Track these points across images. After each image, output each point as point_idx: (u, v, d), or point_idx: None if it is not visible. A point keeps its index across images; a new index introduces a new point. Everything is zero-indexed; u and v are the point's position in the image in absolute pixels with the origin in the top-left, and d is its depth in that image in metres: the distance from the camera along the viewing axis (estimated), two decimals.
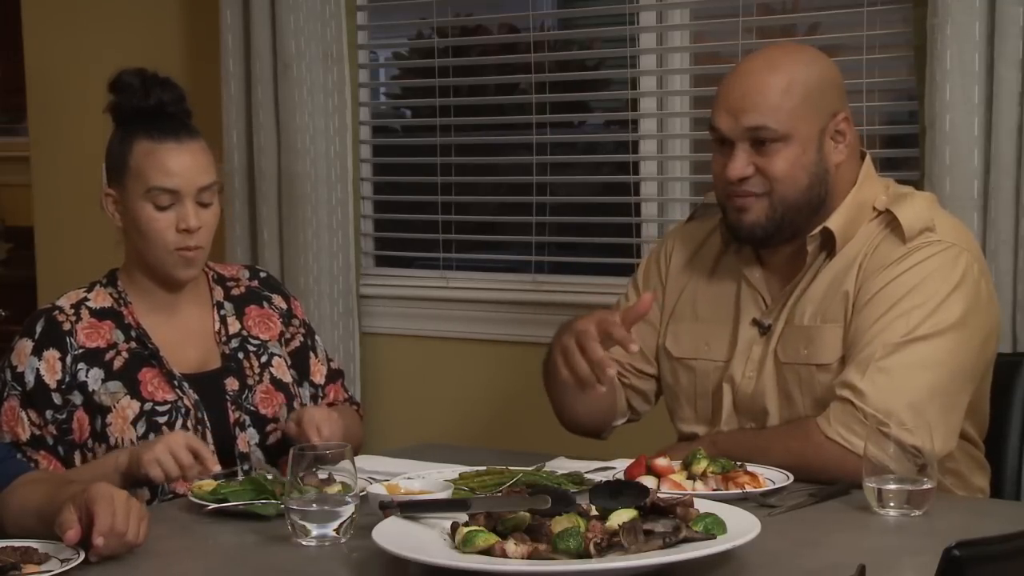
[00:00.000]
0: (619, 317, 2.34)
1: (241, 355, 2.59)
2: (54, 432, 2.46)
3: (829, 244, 2.47)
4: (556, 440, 2.69)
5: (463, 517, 1.91)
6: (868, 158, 2.53)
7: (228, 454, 2.50)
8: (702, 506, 1.93)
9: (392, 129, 4.28)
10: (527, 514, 1.86)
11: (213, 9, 3.99)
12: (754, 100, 2.41)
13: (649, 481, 2.18)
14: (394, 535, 1.90)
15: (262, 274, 2.74)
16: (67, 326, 2.49)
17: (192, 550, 2.09)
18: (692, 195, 3.58)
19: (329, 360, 2.75)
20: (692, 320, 2.61)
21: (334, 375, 2.74)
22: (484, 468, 2.33)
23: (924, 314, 2.34)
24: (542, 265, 3.79)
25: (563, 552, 1.79)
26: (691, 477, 2.26)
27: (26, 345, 2.48)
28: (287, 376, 2.62)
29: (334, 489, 2.04)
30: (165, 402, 2.48)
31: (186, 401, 2.49)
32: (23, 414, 2.46)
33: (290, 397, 2.60)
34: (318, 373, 2.69)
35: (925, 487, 2.12)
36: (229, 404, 2.54)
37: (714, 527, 1.86)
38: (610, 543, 1.79)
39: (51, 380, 2.46)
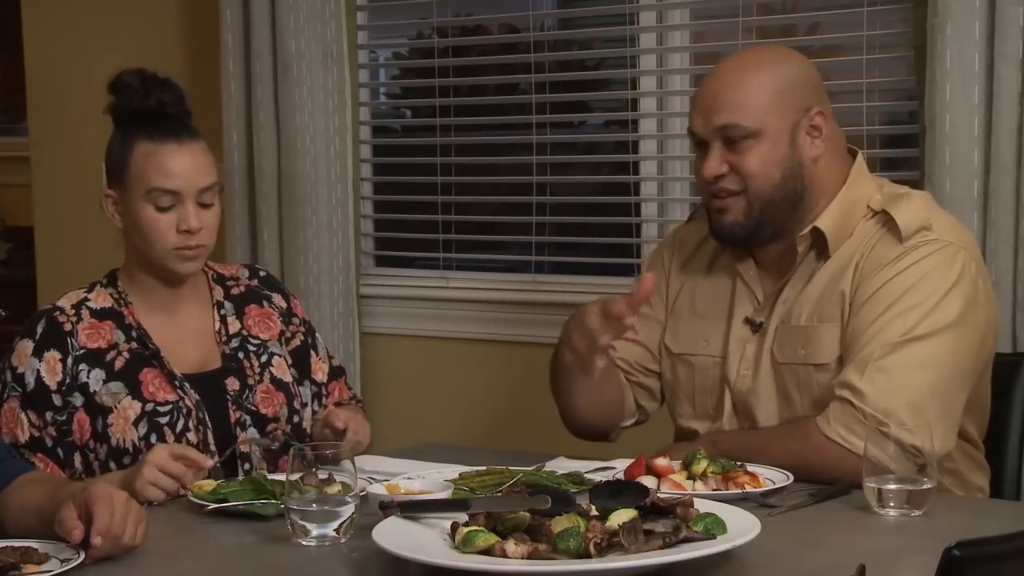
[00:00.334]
0: (625, 304, 2.35)
1: (241, 355, 2.59)
2: (53, 434, 2.46)
3: (820, 244, 2.47)
4: (556, 440, 2.69)
5: (463, 517, 1.91)
6: (860, 157, 2.54)
7: (230, 456, 2.49)
8: (702, 506, 1.93)
9: (392, 129, 4.28)
10: (527, 514, 1.86)
11: (213, 9, 3.99)
12: (724, 99, 2.43)
13: (649, 481, 2.18)
14: (394, 535, 1.90)
15: (262, 273, 2.74)
16: (68, 327, 2.49)
17: (192, 550, 2.09)
18: (692, 195, 3.58)
19: (330, 357, 2.75)
20: (690, 316, 2.62)
21: (336, 372, 2.74)
22: (484, 468, 2.33)
23: (922, 313, 2.34)
24: (542, 265, 3.79)
25: (563, 552, 1.79)
26: (691, 477, 2.26)
27: (27, 346, 2.48)
28: (287, 375, 2.62)
29: (334, 489, 2.04)
30: (166, 402, 2.48)
31: (187, 401, 2.49)
32: (23, 415, 2.46)
33: (290, 397, 2.60)
34: (319, 371, 2.69)
35: (925, 487, 2.12)
36: (230, 404, 2.54)
37: (714, 527, 1.86)
38: (610, 543, 1.79)
39: (51, 381, 2.46)
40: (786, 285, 2.50)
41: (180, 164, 2.47)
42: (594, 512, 1.88)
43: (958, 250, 2.41)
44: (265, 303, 2.67)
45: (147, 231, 2.48)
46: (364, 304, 3.94)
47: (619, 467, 2.35)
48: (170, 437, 2.46)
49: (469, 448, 2.87)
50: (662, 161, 3.64)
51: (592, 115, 3.95)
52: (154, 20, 4.28)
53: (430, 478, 2.27)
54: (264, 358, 2.60)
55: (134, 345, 2.51)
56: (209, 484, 2.27)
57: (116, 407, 2.46)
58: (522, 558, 1.79)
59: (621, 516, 1.84)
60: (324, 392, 2.69)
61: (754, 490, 2.22)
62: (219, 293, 2.63)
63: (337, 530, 2.02)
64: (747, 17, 3.40)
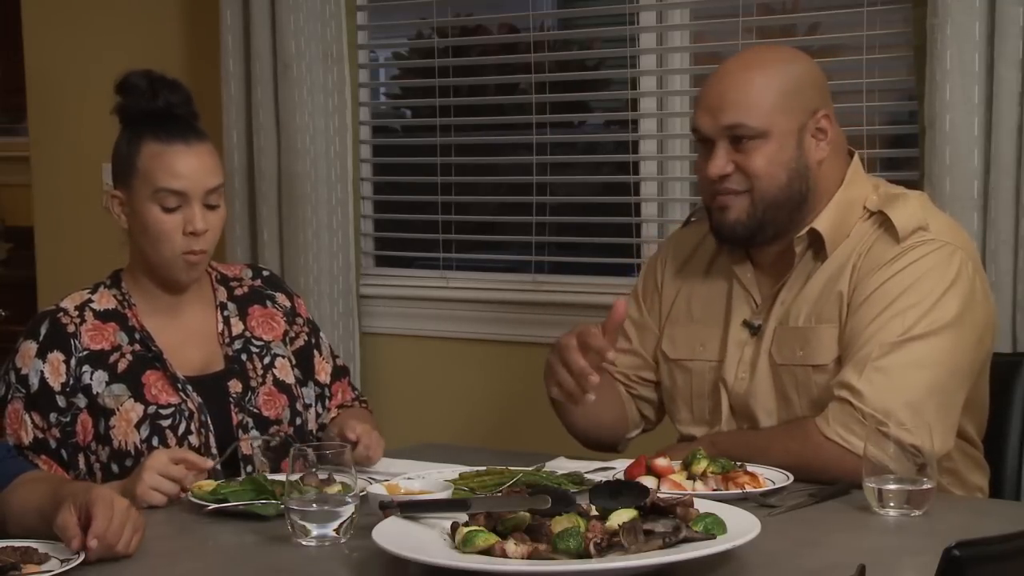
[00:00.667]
0: (600, 328, 2.35)
1: (244, 357, 2.58)
2: (57, 435, 2.45)
3: (818, 245, 2.47)
4: (556, 440, 2.69)
5: (463, 517, 1.91)
6: (856, 157, 2.54)
7: (231, 457, 2.49)
8: (702, 506, 1.93)
9: (392, 129, 4.28)
10: (527, 514, 1.86)
11: (213, 10, 3.99)
12: (731, 98, 2.43)
13: (649, 481, 2.18)
14: (394, 535, 1.90)
15: (265, 273, 2.74)
16: (71, 328, 2.49)
17: (192, 550, 2.09)
18: (692, 195, 3.58)
19: (335, 357, 2.74)
20: (687, 321, 2.62)
21: (339, 372, 2.73)
22: (484, 468, 2.33)
23: (920, 313, 2.35)
24: (542, 265, 3.79)
25: (563, 552, 1.79)
26: (691, 477, 2.26)
27: (30, 347, 2.48)
28: (290, 377, 2.62)
29: (334, 489, 2.04)
30: (169, 405, 2.48)
31: (190, 404, 2.49)
32: (26, 417, 2.46)
33: (292, 398, 2.60)
34: (323, 372, 2.69)
35: (925, 487, 2.12)
36: (232, 406, 2.54)
37: (714, 527, 1.86)
38: (610, 543, 1.79)
39: (55, 383, 2.46)
40: (784, 286, 2.50)
41: (187, 165, 2.47)
42: (594, 512, 1.88)
43: (955, 250, 2.41)
44: (269, 303, 2.67)
45: (153, 232, 2.48)
46: (364, 304, 3.94)
47: (619, 467, 2.35)
48: (172, 440, 2.46)
49: (469, 448, 2.87)
50: (662, 161, 3.64)
51: (592, 115, 3.95)
52: (154, 20, 4.28)
53: (430, 478, 2.27)
54: (267, 360, 2.60)
55: (137, 347, 2.51)
56: (209, 484, 2.27)
57: (118, 409, 2.46)
58: (522, 558, 1.79)
59: (621, 516, 1.84)
60: (327, 393, 2.69)
61: (754, 490, 2.22)
62: (222, 294, 2.63)
63: (337, 530, 2.02)
64: (747, 17, 3.40)
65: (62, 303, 2.53)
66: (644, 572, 1.80)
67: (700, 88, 2.52)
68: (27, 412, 2.46)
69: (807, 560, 1.94)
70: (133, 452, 2.44)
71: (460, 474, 2.31)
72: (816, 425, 2.35)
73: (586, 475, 2.32)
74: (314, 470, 2.04)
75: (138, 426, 2.46)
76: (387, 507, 2.02)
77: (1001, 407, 2.59)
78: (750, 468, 2.28)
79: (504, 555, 1.79)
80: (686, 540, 1.83)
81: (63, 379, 2.46)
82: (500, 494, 2.09)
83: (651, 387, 2.68)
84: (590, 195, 3.84)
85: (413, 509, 2.01)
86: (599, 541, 1.79)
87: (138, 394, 2.47)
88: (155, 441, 2.45)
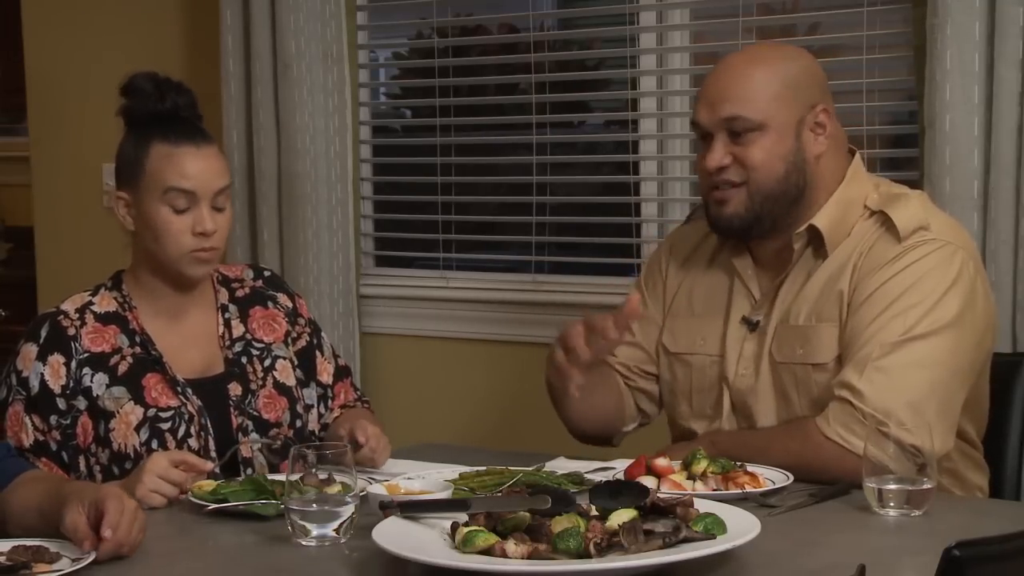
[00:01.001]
0: (612, 322, 2.35)
1: (244, 359, 2.58)
2: (58, 437, 2.45)
3: (817, 242, 2.47)
4: (556, 440, 2.69)
5: (463, 517, 1.91)
6: (858, 156, 2.54)
7: (231, 460, 2.49)
8: (702, 506, 1.93)
9: (392, 129, 4.28)
10: (527, 514, 1.86)
11: (213, 10, 3.99)
12: (730, 92, 2.44)
13: (649, 481, 2.18)
14: (394, 535, 1.90)
15: (266, 273, 2.74)
16: (72, 331, 2.49)
17: (192, 550, 2.09)
18: (692, 195, 3.58)
19: (336, 357, 2.74)
20: (688, 315, 2.62)
21: (341, 372, 2.73)
22: (484, 468, 2.33)
23: (921, 313, 2.35)
24: (542, 265, 3.79)
25: (563, 552, 1.79)
26: (691, 477, 2.26)
27: (31, 349, 2.48)
28: (291, 379, 2.62)
29: (334, 489, 2.04)
30: (168, 408, 2.48)
31: (190, 407, 2.49)
32: (27, 419, 2.45)
33: (293, 401, 2.60)
34: (325, 372, 2.69)
35: (925, 487, 2.12)
36: (232, 409, 2.53)
37: (714, 527, 1.86)
38: (610, 543, 1.79)
39: (56, 385, 2.46)
40: (783, 283, 2.50)
41: (197, 166, 2.48)
42: (594, 512, 1.88)
43: (956, 249, 2.41)
44: (270, 304, 2.67)
45: (162, 233, 2.48)
46: (364, 304, 3.95)
47: (619, 467, 2.35)
48: (171, 443, 2.45)
49: (469, 448, 2.87)
50: (662, 161, 3.64)
51: (592, 115, 3.95)
52: (154, 20, 4.28)
53: (430, 478, 2.27)
54: (267, 362, 2.60)
55: (137, 350, 2.51)
56: (209, 484, 2.27)
57: (118, 412, 2.46)
58: (522, 558, 1.79)
59: (621, 516, 1.84)
60: (330, 394, 2.69)
61: (754, 490, 2.22)
62: (224, 296, 2.63)
63: (337, 530, 2.02)
64: (747, 17, 3.40)
65: (62, 305, 2.53)
66: (644, 572, 1.80)
67: (701, 84, 2.53)
68: (27, 414, 2.46)
69: (807, 560, 1.94)
70: (133, 455, 2.44)
71: (460, 474, 2.31)
72: (816, 425, 2.35)
73: (586, 475, 2.32)
74: (314, 470, 2.04)
75: (138, 429, 2.45)
76: (387, 507, 2.02)
77: (1001, 407, 2.59)
78: (750, 468, 2.28)
79: (504, 555, 1.79)
80: (686, 540, 1.83)
81: (63, 381, 2.46)
82: (500, 494, 2.09)
83: (651, 380, 2.67)
84: (590, 195, 3.84)
85: (413, 509, 2.01)
86: (599, 541, 1.79)
87: (138, 397, 2.47)
88: (154, 444, 2.44)
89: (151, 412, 2.47)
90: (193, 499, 2.24)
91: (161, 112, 2.51)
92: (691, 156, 3.58)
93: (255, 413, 2.54)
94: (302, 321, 2.69)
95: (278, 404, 2.58)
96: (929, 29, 2.95)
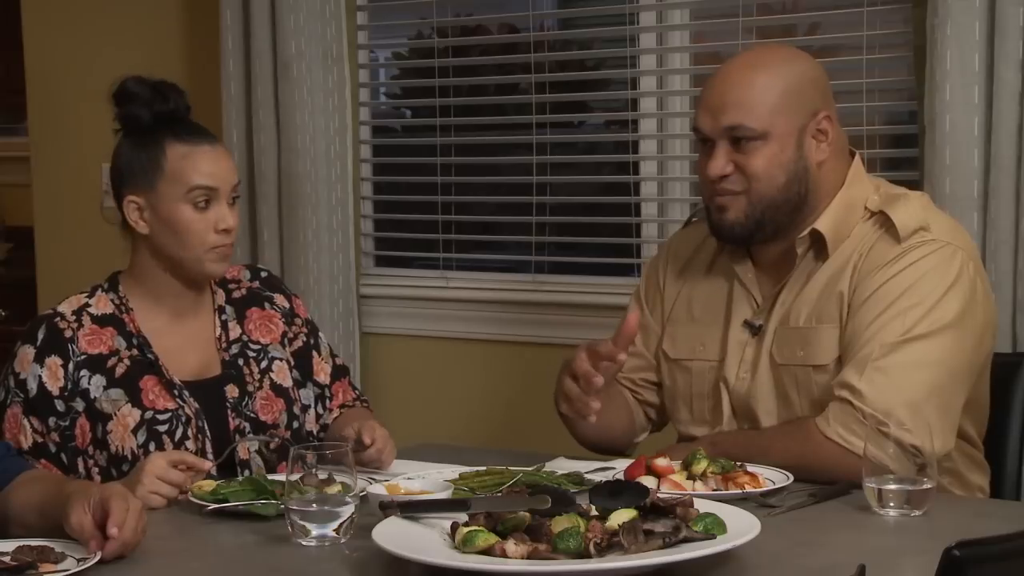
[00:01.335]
0: (611, 342, 2.35)
1: (241, 361, 2.58)
2: (57, 439, 2.45)
3: (819, 245, 2.47)
4: (556, 440, 2.69)
5: (463, 517, 1.91)
6: (858, 158, 2.54)
7: (229, 461, 2.49)
8: (702, 506, 1.92)
9: (392, 129, 4.28)
10: (527, 514, 1.86)
11: (213, 10, 3.99)
12: (732, 99, 2.43)
13: (649, 481, 2.18)
14: (394, 535, 1.90)
15: (263, 274, 2.74)
16: (68, 333, 2.48)
17: (192, 550, 2.09)
18: (692, 195, 3.58)
19: (334, 356, 2.74)
20: (688, 321, 2.62)
21: (339, 372, 2.73)
22: (484, 468, 2.33)
23: (921, 313, 2.35)
24: (542, 265, 3.79)
25: (563, 552, 1.79)
26: (691, 477, 2.26)
27: (28, 352, 2.48)
28: (288, 380, 2.62)
29: (334, 489, 2.04)
30: (166, 410, 2.48)
31: (187, 410, 2.49)
32: (25, 421, 2.46)
33: (290, 402, 2.60)
34: (322, 372, 2.69)
35: (925, 487, 2.12)
36: (229, 411, 2.53)
37: (714, 527, 1.86)
38: (610, 543, 1.79)
39: (54, 387, 2.46)
40: (785, 287, 2.50)
41: (216, 163, 2.50)
42: (594, 512, 1.88)
43: (956, 250, 2.41)
44: (267, 305, 2.67)
45: (185, 232, 2.48)
46: (364, 304, 3.94)
47: (619, 467, 2.35)
48: (169, 445, 2.45)
49: (469, 448, 2.87)
50: (662, 161, 3.64)
51: (592, 115, 3.95)
52: (154, 20, 4.28)
53: (430, 478, 2.27)
54: (264, 364, 2.60)
55: (134, 352, 2.51)
56: (209, 484, 2.27)
57: (116, 414, 2.46)
58: (522, 558, 1.79)
59: (621, 516, 1.84)
60: (327, 394, 2.69)
61: (754, 490, 2.22)
62: (221, 297, 2.63)
63: (337, 530, 2.02)
64: (747, 17, 3.40)
65: (59, 307, 2.53)
66: (644, 572, 1.80)
67: (702, 88, 2.52)
68: (26, 417, 2.46)
69: (807, 560, 1.94)
70: (130, 457, 2.44)
71: (460, 474, 2.31)
72: (816, 425, 2.35)
73: (586, 475, 2.32)
74: (314, 471, 2.04)
75: (135, 431, 2.45)
76: (387, 507, 2.02)
77: (1001, 407, 2.59)
78: (750, 468, 2.28)
79: (504, 555, 1.79)
80: (686, 540, 1.83)
81: (61, 383, 2.46)
82: (500, 494, 2.09)
83: (654, 390, 2.68)
84: (590, 195, 3.83)
85: (413, 509, 2.01)
86: (599, 541, 1.79)
87: (135, 399, 2.47)
88: (152, 446, 2.44)
89: (148, 414, 2.46)
90: (193, 499, 2.24)
91: (165, 113, 2.51)
92: (691, 156, 3.58)
93: (252, 415, 2.54)
94: (299, 321, 2.69)
95: (275, 406, 2.58)
96: (929, 29, 2.95)
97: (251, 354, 2.60)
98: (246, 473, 2.48)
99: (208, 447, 2.49)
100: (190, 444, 2.47)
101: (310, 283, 3.86)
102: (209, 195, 2.48)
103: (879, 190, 2.50)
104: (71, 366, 2.47)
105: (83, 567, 1.88)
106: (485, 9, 4.03)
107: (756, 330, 2.52)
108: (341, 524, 2.03)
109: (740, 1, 3.40)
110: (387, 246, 4.08)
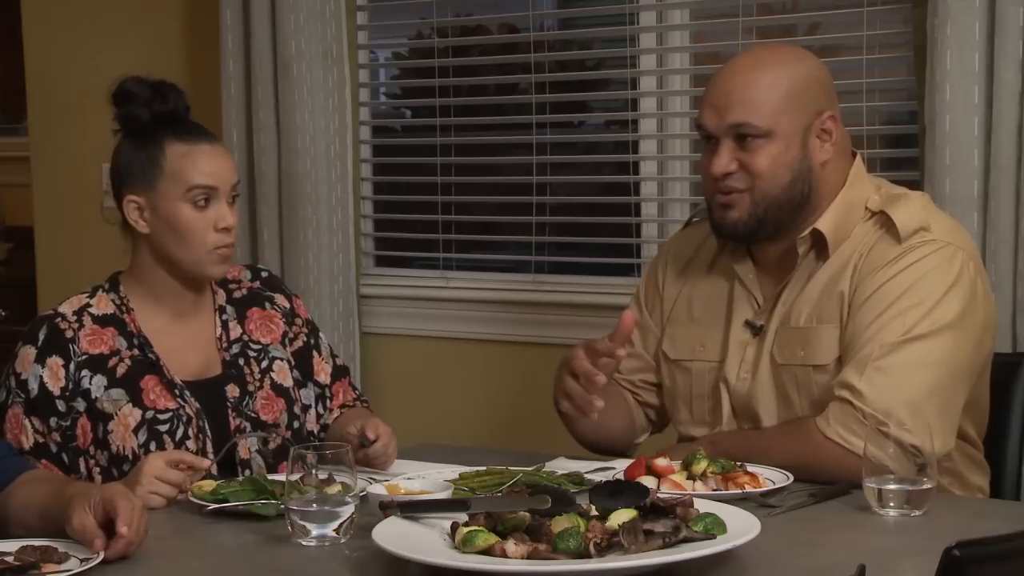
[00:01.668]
0: (607, 340, 2.35)
1: (242, 361, 2.58)
2: (58, 439, 2.45)
3: (820, 245, 2.47)
4: (556, 440, 2.69)
5: (463, 517, 1.91)
6: (859, 158, 2.54)
7: (229, 461, 2.49)
8: (702, 506, 1.92)
9: (392, 129, 4.28)
10: (527, 514, 1.86)
11: (213, 10, 3.99)
12: (737, 97, 2.43)
13: (649, 481, 2.18)
14: (394, 535, 1.90)
15: (263, 274, 2.74)
16: (69, 333, 2.49)
17: (192, 550, 2.09)
18: (692, 195, 3.58)
19: (334, 356, 2.74)
20: (688, 322, 2.62)
21: (339, 372, 2.73)
22: (484, 468, 2.33)
23: (921, 313, 2.35)
24: (542, 265, 3.79)
25: (563, 552, 1.79)
26: (691, 477, 2.26)
27: (29, 352, 2.48)
28: (288, 380, 2.62)
29: (334, 489, 2.04)
30: (167, 410, 2.48)
31: (188, 410, 2.49)
32: (27, 422, 2.46)
33: (290, 402, 2.60)
34: (322, 372, 2.69)
35: (925, 487, 2.12)
36: (230, 411, 2.53)
37: (714, 527, 1.86)
38: (610, 543, 1.79)
39: (55, 387, 2.46)
40: (786, 287, 2.50)
41: (216, 162, 2.50)
42: (594, 512, 1.88)
43: (956, 250, 2.41)
44: (267, 305, 2.67)
45: (185, 231, 2.48)
46: (364, 304, 3.95)
47: (619, 467, 2.35)
48: (170, 445, 2.45)
49: (469, 448, 2.87)
50: (662, 161, 3.64)
51: (592, 115, 3.95)
52: (154, 20, 4.28)
53: (430, 478, 2.27)
54: (264, 363, 2.60)
55: (135, 352, 2.51)
56: (209, 484, 2.27)
57: (116, 414, 2.46)
58: (522, 558, 1.79)
59: (621, 516, 1.84)
60: (328, 394, 2.69)
61: (754, 490, 2.22)
62: (221, 297, 2.63)
63: (337, 530, 2.02)
64: (747, 17, 3.40)
65: (60, 308, 2.53)
66: (644, 572, 1.80)
67: (706, 85, 2.51)
68: (27, 417, 2.46)
69: (807, 560, 1.94)
70: (131, 457, 2.44)
71: (460, 474, 2.31)
72: (816, 425, 2.35)
73: (586, 475, 2.32)
74: (314, 471, 2.04)
75: (136, 431, 2.45)
76: (387, 507, 2.02)
77: (1001, 407, 2.59)
78: (750, 468, 2.28)
79: (504, 555, 1.79)
80: (686, 540, 1.83)
81: (62, 383, 2.46)
82: (500, 494, 2.09)
83: (653, 391, 2.68)
84: (590, 195, 3.84)
85: (413, 509, 2.01)
86: (599, 541, 1.79)
87: (136, 399, 2.47)
88: (153, 446, 2.44)
89: (149, 414, 2.47)
90: (193, 499, 2.24)
91: (164, 113, 2.51)
92: (691, 156, 3.58)
93: (253, 415, 2.54)
94: (299, 321, 2.69)
95: (276, 405, 2.58)
96: (929, 29, 2.95)
97: (252, 354, 2.60)
98: (246, 473, 2.48)
99: (209, 447, 2.49)
100: (191, 444, 2.47)
101: (310, 283, 3.86)
102: (209, 194, 2.48)
103: (880, 190, 2.50)
104: (72, 366, 2.47)
105: (86, 567, 1.88)
106: (485, 9, 4.03)
107: (757, 330, 2.52)
108: (341, 524, 2.03)
109: (740, 1, 3.40)
110: (387, 246, 4.08)
